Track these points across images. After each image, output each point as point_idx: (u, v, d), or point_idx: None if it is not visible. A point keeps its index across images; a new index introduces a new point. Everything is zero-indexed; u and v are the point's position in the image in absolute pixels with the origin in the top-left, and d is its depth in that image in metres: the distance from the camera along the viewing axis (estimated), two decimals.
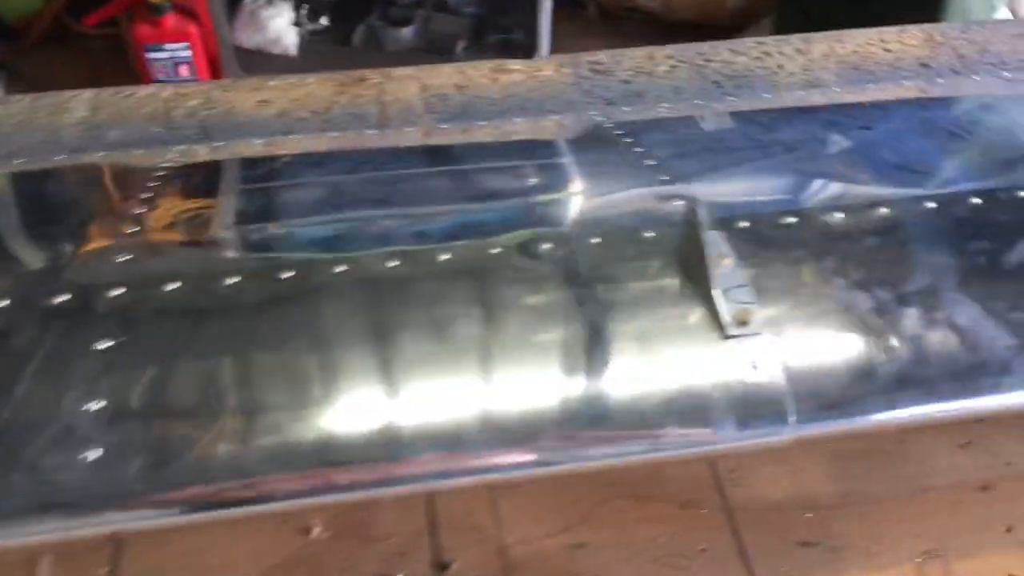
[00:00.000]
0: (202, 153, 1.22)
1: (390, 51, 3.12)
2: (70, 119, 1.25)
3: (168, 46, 2.90)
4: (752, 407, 0.90)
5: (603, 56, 1.44)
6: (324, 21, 3.17)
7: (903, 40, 1.48)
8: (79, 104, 1.27)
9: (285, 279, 0.94)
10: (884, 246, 1.03)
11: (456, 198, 1.12)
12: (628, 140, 1.23)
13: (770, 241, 1.01)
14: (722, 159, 1.21)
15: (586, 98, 1.36)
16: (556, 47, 3.28)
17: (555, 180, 1.20)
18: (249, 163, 1.21)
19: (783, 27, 3.15)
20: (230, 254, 1.03)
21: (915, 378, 0.93)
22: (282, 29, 3.07)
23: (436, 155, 1.24)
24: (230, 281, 0.92)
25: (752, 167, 1.19)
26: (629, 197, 1.11)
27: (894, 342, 0.94)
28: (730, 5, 3.39)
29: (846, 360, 0.94)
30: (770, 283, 0.97)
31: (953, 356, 0.94)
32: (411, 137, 1.27)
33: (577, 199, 1.15)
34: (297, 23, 3.13)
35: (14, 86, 3.11)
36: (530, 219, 1.06)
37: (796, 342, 0.94)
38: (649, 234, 1.01)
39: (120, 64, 3.04)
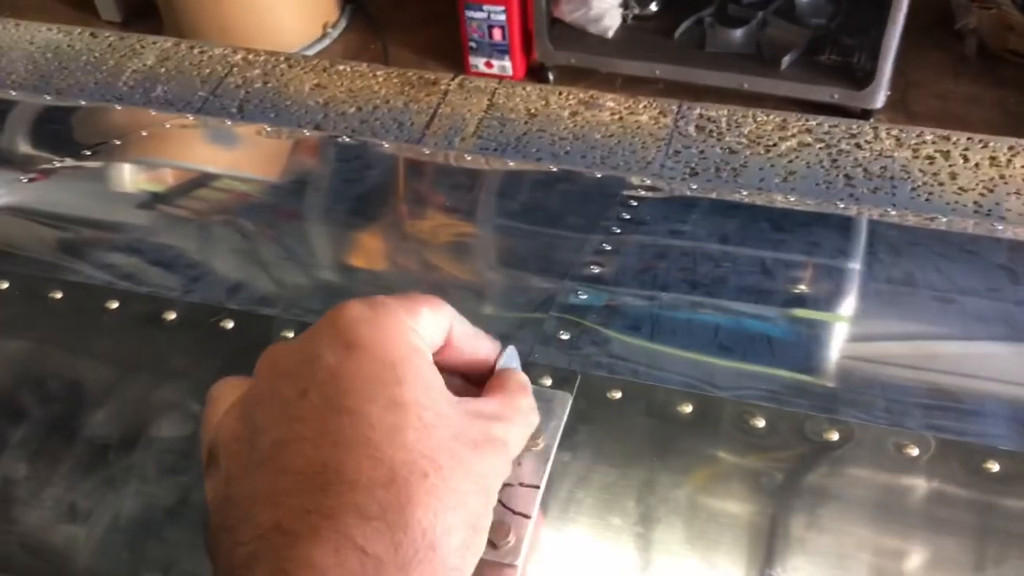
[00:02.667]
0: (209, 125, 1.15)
1: (711, 51, 2.86)
2: (134, 65, 1.24)
3: (486, 7, 2.90)
4: None
5: (724, 112, 1.15)
6: (653, 7, 2.98)
7: None
8: (151, 51, 1.26)
9: None
10: None
11: None
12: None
13: None
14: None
15: (667, 160, 1.09)
16: (910, 81, 2.81)
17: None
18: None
19: None
20: None
21: None
22: (607, 9, 2.93)
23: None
24: None
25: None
26: None
27: None
28: None
29: None
30: None
31: None
32: (435, 158, 1.11)
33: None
34: (624, 5, 2.97)
35: (355, 19, 3.32)
36: None
37: None
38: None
39: None
